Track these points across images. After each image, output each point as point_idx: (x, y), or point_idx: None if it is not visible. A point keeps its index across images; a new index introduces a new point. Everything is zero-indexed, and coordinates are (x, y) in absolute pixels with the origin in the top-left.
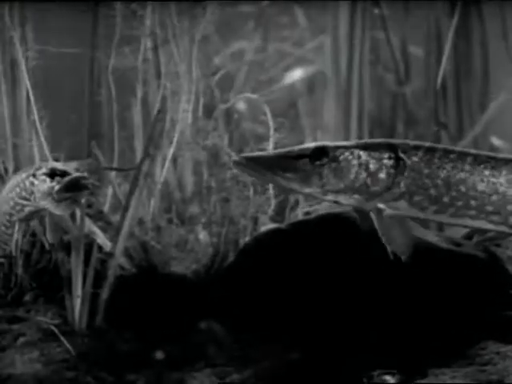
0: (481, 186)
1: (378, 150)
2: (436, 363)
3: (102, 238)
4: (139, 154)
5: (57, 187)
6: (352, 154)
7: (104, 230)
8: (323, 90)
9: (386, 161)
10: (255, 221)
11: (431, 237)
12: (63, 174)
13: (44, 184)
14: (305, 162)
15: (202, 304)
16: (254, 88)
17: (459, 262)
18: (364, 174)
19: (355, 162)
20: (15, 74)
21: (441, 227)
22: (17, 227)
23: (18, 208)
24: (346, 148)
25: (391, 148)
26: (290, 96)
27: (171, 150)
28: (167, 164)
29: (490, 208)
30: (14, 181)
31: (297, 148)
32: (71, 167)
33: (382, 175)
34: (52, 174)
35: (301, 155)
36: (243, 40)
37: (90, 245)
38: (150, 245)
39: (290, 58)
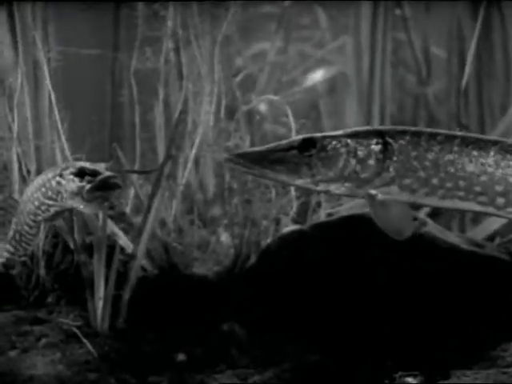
0: (469, 167)
1: (366, 137)
2: (458, 365)
3: (124, 240)
4: (161, 156)
5: (88, 186)
6: (340, 142)
7: (126, 232)
8: (345, 91)
9: (373, 146)
10: (277, 222)
11: (453, 238)
12: (93, 173)
13: (72, 183)
14: (293, 154)
15: (224, 305)
16: (276, 89)
17: (481, 264)
18: (353, 162)
19: (343, 150)
20: (37, 75)
21: (463, 229)
22: (42, 227)
23: (43, 208)
24: (333, 137)
25: (378, 134)
26: (312, 97)
27: (193, 152)
28: (189, 165)
29: (478, 189)
30: (39, 181)
31: (285, 141)
32: (101, 167)
33: (371, 161)
34: (81, 173)
35: (289, 147)
36: (265, 41)
37: (112, 246)
38: (172, 246)
39: (312, 59)
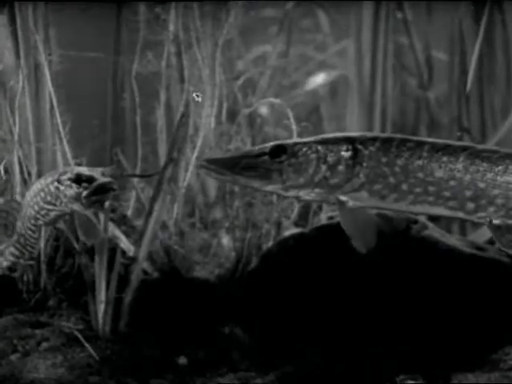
0: (438, 173)
1: (336, 144)
2: (459, 368)
3: (125, 243)
4: (162, 159)
5: (84, 193)
6: (310, 148)
7: (127, 235)
8: (346, 95)
9: (343, 153)
10: (278, 225)
11: (454, 241)
12: (90, 179)
13: (70, 189)
14: (264, 160)
15: (225, 309)
16: (277, 92)
17: (483, 267)
18: (323, 168)
19: (313, 156)
20: (39, 78)
21: (464, 232)
22: (43, 231)
23: (43, 212)
24: (304, 144)
25: (348, 140)
26: (313, 100)
27: (195, 155)
28: (191, 168)
29: (447, 194)
30: (38, 185)
31: (256, 147)
32: (98, 172)
33: (341, 167)
34: (78, 179)
35: (260, 154)
36: (266, 44)
37: (113, 249)
38: (174, 249)
39: (313, 62)
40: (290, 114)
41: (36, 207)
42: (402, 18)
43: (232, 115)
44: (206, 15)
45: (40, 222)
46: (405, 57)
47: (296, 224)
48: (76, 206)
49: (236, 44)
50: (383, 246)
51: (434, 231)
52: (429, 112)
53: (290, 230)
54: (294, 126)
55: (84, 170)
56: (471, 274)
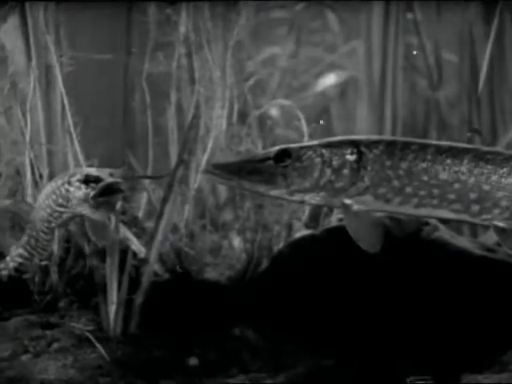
0: (443, 175)
1: (340, 147)
2: (469, 369)
3: (136, 245)
4: (173, 160)
5: (92, 193)
6: (315, 152)
7: (138, 237)
8: (356, 96)
9: (348, 156)
10: (289, 227)
11: (465, 243)
12: (97, 179)
13: (79, 191)
14: (269, 165)
15: (236, 310)
16: (287, 94)
17: (493, 269)
18: (328, 171)
19: (318, 160)
20: (50, 79)
21: (474, 233)
22: (56, 233)
23: (55, 215)
24: (308, 148)
25: (353, 143)
26: (323, 102)
27: (205, 156)
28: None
29: (451, 196)
30: (49, 188)
31: (261, 152)
32: (105, 173)
33: (346, 170)
34: (86, 180)
35: (265, 158)
36: (276, 46)
37: (124, 251)
38: (184, 251)
39: (323, 63)
40: (301, 116)
41: (48, 210)
42: (411, 18)
43: (242, 117)
44: (217, 16)
45: (53, 225)
46: (415, 57)
47: (307, 226)
48: (85, 208)
49: (246, 45)
50: (394, 247)
51: (444, 233)
52: (439, 113)
53: (301, 232)
54: (304, 128)
55: (92, 171)
56: (482, 275)
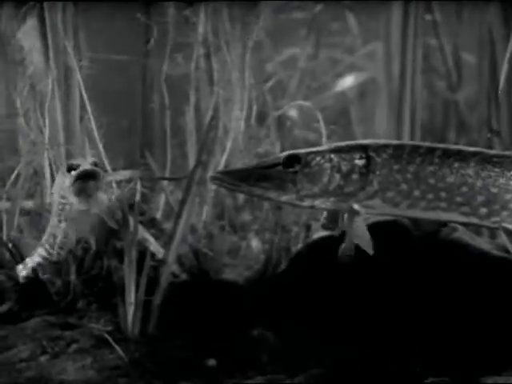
0: (450, 178)
1: (349, 152)
2: (488, 371)
3: (154, 245)
4: (192, 161)
5: (71, 180)
6: (323, 157)
7: (157, 238)
8: (375, 97)
9: (357, 161)
10: (308, 228)
11: (484, 244)
12: (77, 167)
13: (67, 180)
14: (278, 171)
15: (254, 311)
16: (306, 95)
17: None
18: (337, 176)
19: (327, 165)
20: (68, 80)
21: (493, 234)
22: (62, 225)
23: (60, 207)
24: (317, 153)
25: (361, 148)
26: (342, 103)
27: (224, 158)
28: None
29: (459, 199)
30: (56, 182)
31: (270, 158)
32: (87, 162)
33: (355, 175)
34: (69, 168)
35: (274, 164)
36: (295, 47)
37: (142, 252)
38: (203, 252)
39: (342, 64)
40: (320, 117)
41: (56, 203)
42: (431, 19)
43: (261, 118)
44: (236, 18)
45: (62, 218)
46: (434, 59)
47: (325, 227)
48: (72, 196)
49: (265, 46)
50: (413, 248)
51: (463, 234)
52: (458, 114)
53: (319, 233)
54: (323, 129)
55: (76, 160)
56: (501, 276)
